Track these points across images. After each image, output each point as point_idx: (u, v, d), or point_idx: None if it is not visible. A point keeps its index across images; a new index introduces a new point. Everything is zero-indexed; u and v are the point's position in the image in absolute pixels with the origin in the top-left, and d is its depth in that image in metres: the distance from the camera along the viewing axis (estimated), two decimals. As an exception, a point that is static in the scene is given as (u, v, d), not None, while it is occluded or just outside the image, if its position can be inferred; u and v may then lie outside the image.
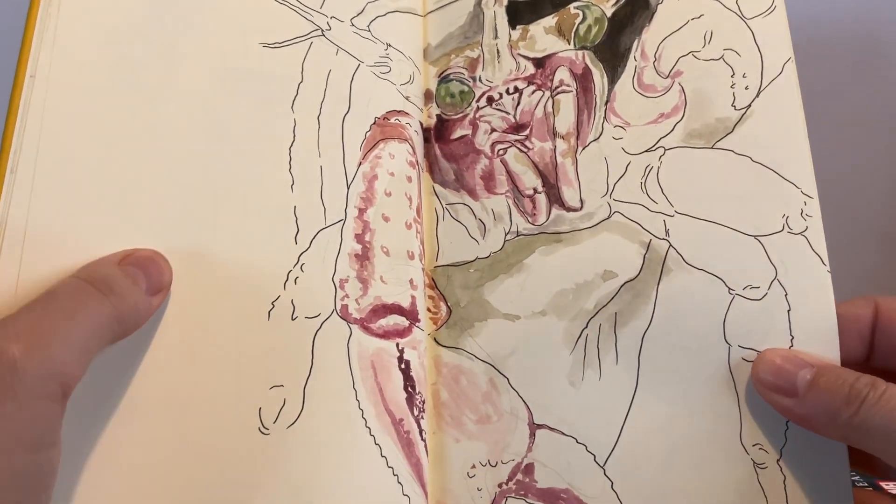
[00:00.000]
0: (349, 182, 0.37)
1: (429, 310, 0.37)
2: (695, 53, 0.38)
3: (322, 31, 0.39)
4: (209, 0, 0.38)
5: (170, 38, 0.36)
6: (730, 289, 0.35)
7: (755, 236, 0.35)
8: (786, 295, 0.35)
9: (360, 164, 0.37)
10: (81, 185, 0.34)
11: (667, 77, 0.38)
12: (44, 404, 0.27)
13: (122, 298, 0.30)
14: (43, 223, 0.33)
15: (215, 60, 0.37)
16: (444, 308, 0.37)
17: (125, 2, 0.36)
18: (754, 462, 0.33)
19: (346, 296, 0.35)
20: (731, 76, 0.37)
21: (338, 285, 0.35)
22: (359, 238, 0.36)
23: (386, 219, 0.37)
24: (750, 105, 0.37)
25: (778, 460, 0.33)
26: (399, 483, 0.33)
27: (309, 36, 0.39)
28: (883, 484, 0.40)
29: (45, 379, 0.27)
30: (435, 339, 0.37)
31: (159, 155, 0.35)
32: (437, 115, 0.40)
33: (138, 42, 0.36)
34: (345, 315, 0.35)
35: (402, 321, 0.36)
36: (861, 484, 0.33)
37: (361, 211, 0.37)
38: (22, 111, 0.33)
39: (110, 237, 0.33)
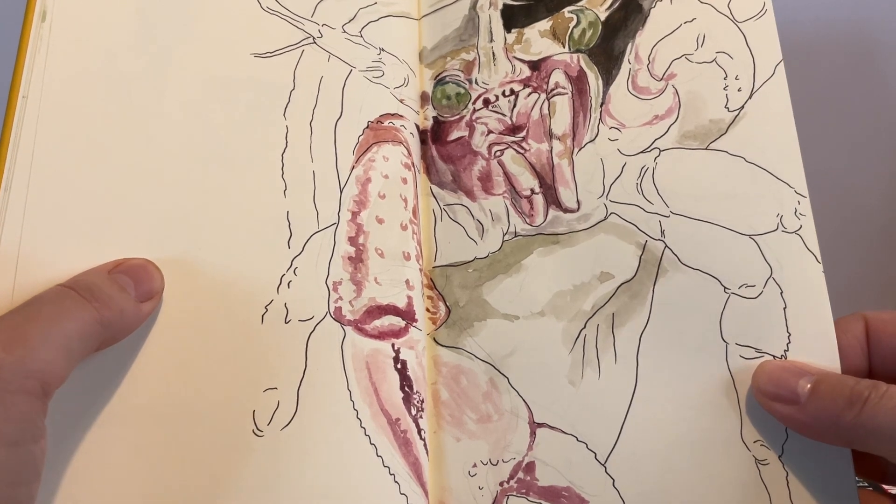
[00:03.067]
0: (342, 186, 0.37)
1: (428, 310, 0.37)
2: (688, 56, 0.39)
3: (313, 38, 0.39)
4: (199, 15, 0.38)
5: (160, 53, 0.37)
6: (725, 288, 0.35)
7: (750, 235, 0.36)
8: (781, 293, 0.35)
9: (353, 167, 0.37)
10: (75, 199, 0.34)
11: (661, 79, 0.38)
12: (23, 400, 0.27)
13: (105, 304, 0.31)
14: (37, 238, 0.33)
15: (207, 73, 0.37)
16: (442, 308, 0.37)
17: (116, 21, 0.37)
18: (756, 458, 0.34)
19: (340, 298, 0.35)
20: (724, 78, 0.38)
21: (331, 288, 0.36)
22: (352, 241, 0.36)
23: (380, 221, 0.37)
24: (743, 106, 0.37)
25: (780, 456, 0.33)
26: (396, 482, 0.33)
27: (300, 44, 0.39)
28: (883, 485, 0.41)
29: (24, 375, 0.27)
30: (434, 338, 0.37)
31: (152, 167, 0.35)
32: (433, 117, 0.40)
33: (129, 59, 0.37)
34: (338, 317, 0.35)
35: (398, 321, 0.36)
36: (861, 484, 0.33)
37: (354, 214, 0.37)
38: (15, 131, 0.34)
39: (105, 249, 0.34)
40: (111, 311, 0.31)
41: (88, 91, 0.36)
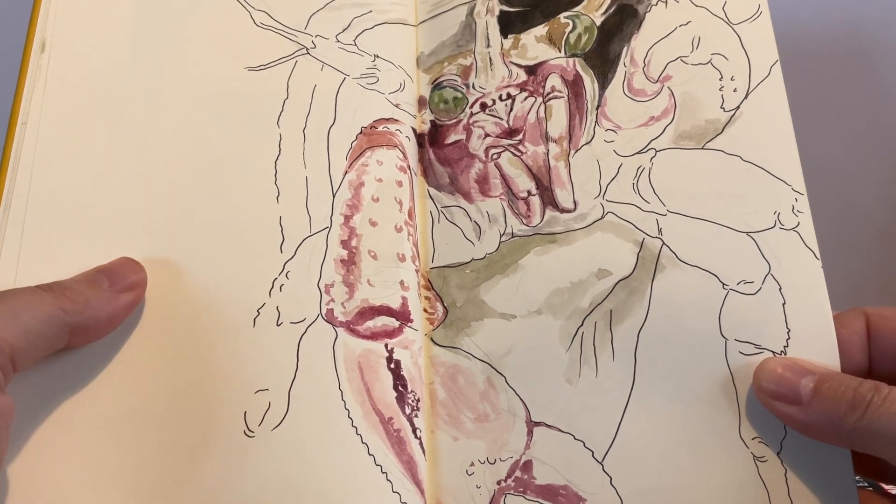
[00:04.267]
0: (335, 191, 0.37)
1: (425, 310, 0.37)
2: (683, 58, 0.39)
3: (307, 49, 0.40)
4: (192, 37, 0.39)
5: (154, 76, 0.38)
6: (724, 284, 0.35)
7: (747, 233, 0.36)
8: (780, 289, 0.35)
9: (346, 172, 0.38)
10: (72, 216, 0.36)
11: (656, 81, 0.39)
12: None
13: (62, 293, 0.31)
14: (35, 254, 0.35)
15: (200, 90, 0.38)
16: (440, 308, 0.37)
17: (111, 48, 0.39)
18: (754, 455, 0.33)
19: (332, 300, 0.36)
20: (720, 79, 0.38)
21: (323, 290, 0.36)
22: (345, 244, 0.37)
23: (373, 224, 0.37)
24: (738, 107, 0.37)
25: (778, 453, 0.33)
26: (388, 481, 0.33)
27: (293, 55, 0.40)
28: (883, 484, 0.40)
29: None
30: (432, 338, 0.37)
31: (147, 183, 0.37)
32: (430, 120, 0.40)
33: (125, 79, 0.38)
34: (330, 319, 0.35)
35: (392, 322, 0.36)
36: (861, 484, 0.33)
37: (347, 218, 0.37)
38: (14, 154, 0.36)
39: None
40: (71, 300, 0.31)
41: (85, 115, 0.37)
